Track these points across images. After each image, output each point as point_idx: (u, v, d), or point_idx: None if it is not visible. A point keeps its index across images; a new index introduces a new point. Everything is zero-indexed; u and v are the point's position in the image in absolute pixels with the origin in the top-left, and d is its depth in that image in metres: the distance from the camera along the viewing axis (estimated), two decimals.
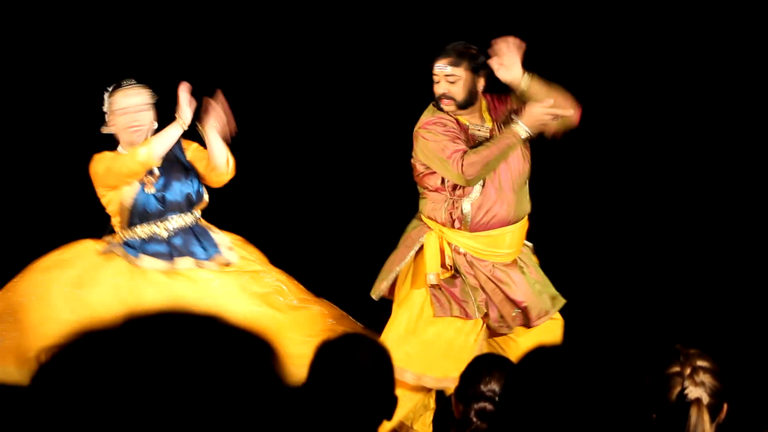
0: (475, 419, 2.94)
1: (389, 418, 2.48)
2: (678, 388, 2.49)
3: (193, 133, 4.96)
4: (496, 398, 2.89)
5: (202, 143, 4.92)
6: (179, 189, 4.83)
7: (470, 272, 4.78)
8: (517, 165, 4.80)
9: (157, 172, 4.82)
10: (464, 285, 4.78)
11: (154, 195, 4.79)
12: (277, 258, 5.25)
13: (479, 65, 4.74)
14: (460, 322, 4.77)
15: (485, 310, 4.76)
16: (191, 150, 4.94)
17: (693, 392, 2.48)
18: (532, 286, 4.83)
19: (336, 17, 6.82)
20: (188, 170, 4.90)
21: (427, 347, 4.76)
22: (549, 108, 4.56)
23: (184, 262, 4.77)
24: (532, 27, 6.17)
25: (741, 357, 5.47)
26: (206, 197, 4.93)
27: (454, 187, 4.75)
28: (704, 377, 2.50)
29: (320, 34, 6.82)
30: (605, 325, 6.01)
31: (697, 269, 6.43)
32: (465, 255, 4.79)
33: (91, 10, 6.66)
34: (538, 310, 4.82)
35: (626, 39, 6.44)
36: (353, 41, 6.79)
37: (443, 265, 4.78)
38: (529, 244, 4.96)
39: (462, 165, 4.61)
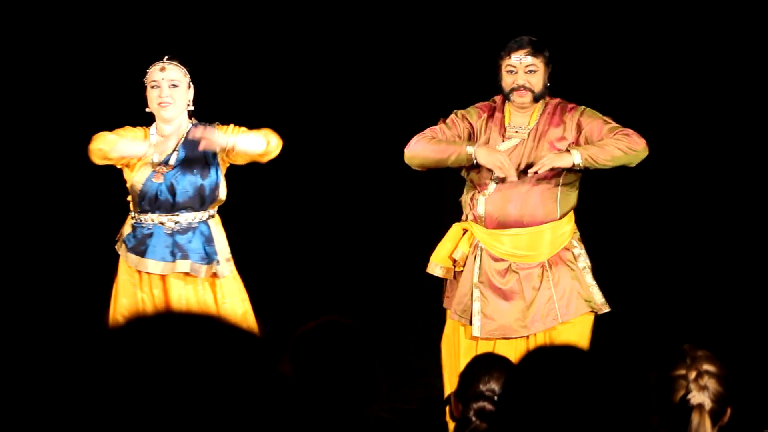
0: (474, 419, 2.93)
1: (375, 400, 2.48)
2: (682, 392, 2.47)
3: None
4: (496, 398, 2.88)
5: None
6: (191, 182, 4.69)
7: (472, 275, 4.71)
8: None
9: (172, 162, 4.72)
10: (461, 285, 4.73)
11: (164, 185, 4.67)
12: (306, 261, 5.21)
13: (550, 58, 4.75)
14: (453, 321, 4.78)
15: (468, 318, 4.69)
16: (228, 134, 4.68)
17: (696, 398, 2.46)
18: (532, 299, 4.70)
19: (376, 26, 6.83)
20: (209, 165, 4.75)
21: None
22: (503, 164, 4.56)
23: (182, 265, 4.67)
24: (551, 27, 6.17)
25: (743, 356, 5.45)
26: (222, 195, 4.77)
27: (474, 180, 4.73)
28: (709, 382, 2.47)
29: (356, 41, 6.83)
30: (607, 325, 6.00)
31: (702, 268, 6.42)
32: (481, 252, 4.71)
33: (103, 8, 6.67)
34: (513, 327, 4.70)
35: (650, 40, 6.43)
36: (394, 49, 6.80)
37: (450, 257, 4.76)
38: (577, 251, 4.79)
39: (413, 138, 4.71)
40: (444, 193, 6.95)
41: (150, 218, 4.69)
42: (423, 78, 6.91)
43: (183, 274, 4.69)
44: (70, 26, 6.69)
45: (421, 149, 4.70)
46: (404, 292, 7.24)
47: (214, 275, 4.71)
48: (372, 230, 7.36)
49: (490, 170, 4.65)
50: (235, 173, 4.96)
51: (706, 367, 2.49)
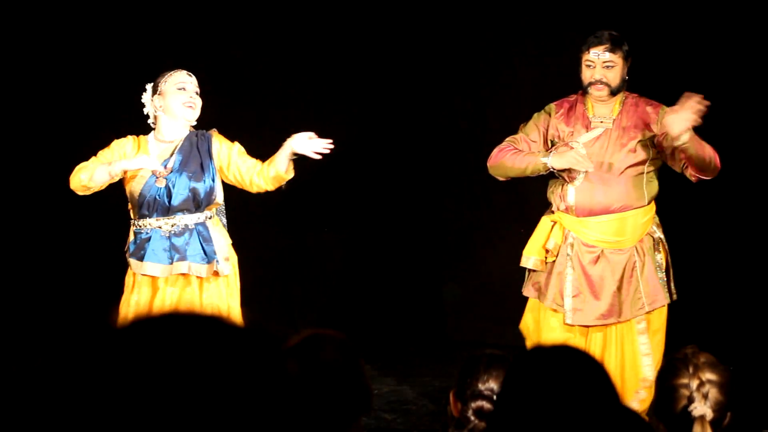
0: (473, 418, 2.93)
1: (367, 411, 2.47)
2: (684, 402, 2.46)
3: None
4: (495, 397, 2.88)
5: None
6: (187, 185, 4.80)
7: (565, 263, 4.84)
8: (619, 156, 4.81)
9: (171, 166, 4.82)
10: (554, 274, 4.86)
11: (163, 188, 4.78)
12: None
13: (629, 52, 4.84)
14: (542, 306, 4.90)
15: (561, 303, 4.83)
16: (230, 150, 4.89)
17: (698, 410, 2.45)
18: (622, 288, 4.83)
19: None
20: (205, 168, 4.86)
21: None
22: (578, 159, 4.71)
23: (180, 266, 4.76)
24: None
25: (743, 356, 5.45)
26: (219, 199, 4.89)
27: (562, 173, 4.85)
28: (711, 392, 2.46)
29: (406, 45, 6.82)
30: None
31: (703, 268, 6.42)
32: (574, 241, 4.84)
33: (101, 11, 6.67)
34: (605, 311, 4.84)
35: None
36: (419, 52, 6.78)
37: (544, 247, 4.89)
38: (657, 236, 4.90)
39: (494, 151, 4.90)
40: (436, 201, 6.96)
41: (148, 223, 4.79)
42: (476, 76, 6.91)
43: (175, 275, 4.78)
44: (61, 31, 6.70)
45: (502, 162, 4.87)
46: (405, 291, 7.24)
47: (216, 273, 4.80)
48: (378, 233, 7.36)
49: None
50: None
51: (709, 376, 2.48)
